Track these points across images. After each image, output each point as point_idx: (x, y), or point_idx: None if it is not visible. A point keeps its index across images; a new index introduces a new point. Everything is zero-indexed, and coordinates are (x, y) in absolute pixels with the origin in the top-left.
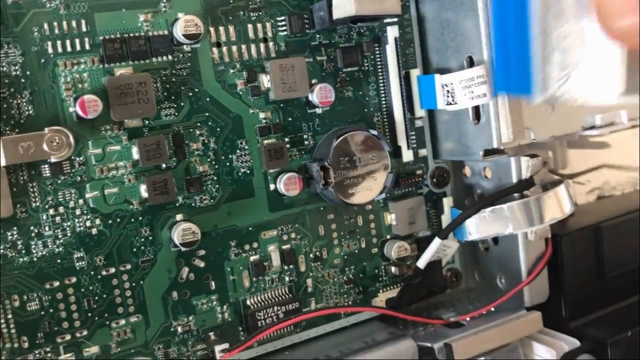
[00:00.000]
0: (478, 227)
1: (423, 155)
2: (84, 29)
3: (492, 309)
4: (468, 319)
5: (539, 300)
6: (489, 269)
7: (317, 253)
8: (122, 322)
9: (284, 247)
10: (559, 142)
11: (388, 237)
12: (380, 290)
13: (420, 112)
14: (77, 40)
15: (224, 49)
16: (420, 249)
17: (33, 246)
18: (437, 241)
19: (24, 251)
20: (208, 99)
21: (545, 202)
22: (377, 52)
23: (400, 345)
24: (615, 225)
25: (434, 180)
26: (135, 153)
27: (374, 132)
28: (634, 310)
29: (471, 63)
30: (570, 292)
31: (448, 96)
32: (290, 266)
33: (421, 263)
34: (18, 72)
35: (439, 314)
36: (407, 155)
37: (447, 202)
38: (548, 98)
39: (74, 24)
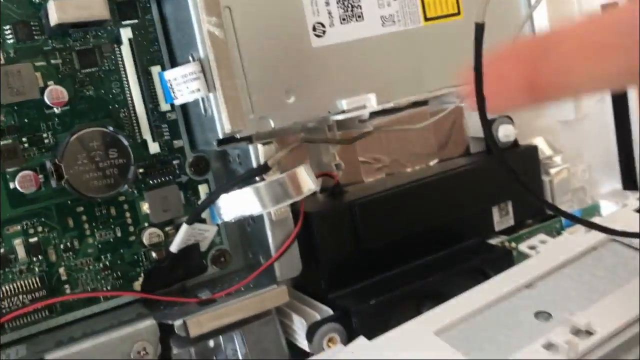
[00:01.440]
0: (223, 210)
1: (180, 146)
2: None
3: (250, 285)
4: (223, 295)
5: (291, 274)
6: (253, 248)
7: (68, 244)
8: None
9: (30, 240)
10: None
11: (145, 224)
12: (141, 275)
13: (166, 106)
14: None
15: None
16: None
17: None
18: (184, 227)
19: None
20: None
21: (280, 184)
22: (118, 52)
23: (140, 324)
24: (369, 202)
25: (193, 168)
26: None
27: (110, 128)
28: (389, 281)
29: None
30: (326, 266)
31: (172, 91)
32: (39, 257)
33: (173, 247)
34: None
35: (200, 293)
36: (154, 148)
37: (203, 188)
38: None
39: None
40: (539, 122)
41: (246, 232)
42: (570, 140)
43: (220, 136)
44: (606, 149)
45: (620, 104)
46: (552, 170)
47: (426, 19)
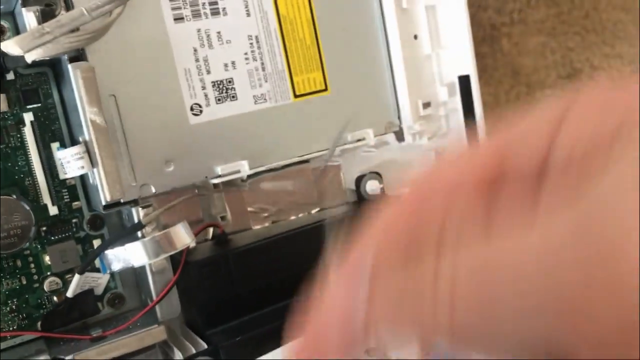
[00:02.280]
0: (110, 263)
1: (78, 207)
2: None
3: (138, 324)
4: (113, 333)
5: (170, 316)
6: (143, 292)
7: None
8: None
9: None
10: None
11: (48, 273)
12: None
13: (64, 175)
14: None
15: None
16: None
17: None
18: (76, 276)
19: None
20: None
21: (156, 241)
22: (22, 132)
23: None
24: (242, 252)
25: (89, 225)
26: None
27: (14, 196)
28: (260, 319)
29: None
30: (204, 307)
31: (63, 167)
32: None
33: (69, 293)
34: None
35: (93, 331)
36: (54, 210)
37: (97, 242)
38: None
39: None
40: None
41: (138, 278)
42: None
43: (103, 203)
44: None
45: None
46: None
47: (295, 96)
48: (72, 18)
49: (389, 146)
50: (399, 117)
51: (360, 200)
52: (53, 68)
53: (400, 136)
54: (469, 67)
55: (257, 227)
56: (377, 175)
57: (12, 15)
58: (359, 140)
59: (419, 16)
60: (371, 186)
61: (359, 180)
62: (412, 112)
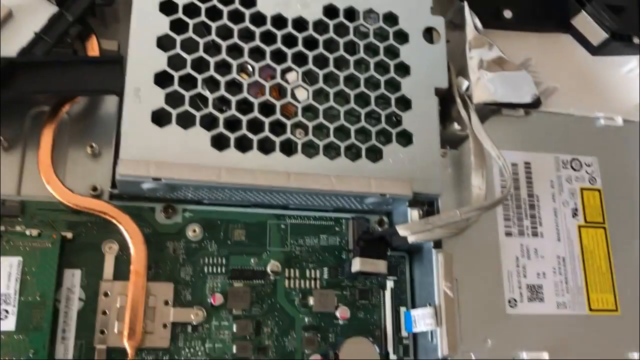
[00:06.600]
0: None
1: None
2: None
3: None
4: None
5: None
6: None
7: None
8: None
9: None
10: None
11: None
12: None
13: (404, 333)
14: (217, 267)
15: (291, 280)
16: None
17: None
18: None
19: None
20: (278, 306)
21: None
22: (382, 294)
23: None
24: None
25: None
26: (234, 327)
27: (370, 339)
28: None
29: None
30: None
31: (414, 322)
32: None
33: None
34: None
35: None
36: (393, 357)
37: None
38: None
39: (217, 260)
40: None
41: None
42: None
43: (440, 357)
44: None
45: None
46: None
47: (590, 310)
48: (449, 217)
49: None
50: None
51: None
52: (409, 254)
53: None
54: None
55: None
56: None
57: (389, 215)
58: None
59: None
60: None
61: None
62: None
